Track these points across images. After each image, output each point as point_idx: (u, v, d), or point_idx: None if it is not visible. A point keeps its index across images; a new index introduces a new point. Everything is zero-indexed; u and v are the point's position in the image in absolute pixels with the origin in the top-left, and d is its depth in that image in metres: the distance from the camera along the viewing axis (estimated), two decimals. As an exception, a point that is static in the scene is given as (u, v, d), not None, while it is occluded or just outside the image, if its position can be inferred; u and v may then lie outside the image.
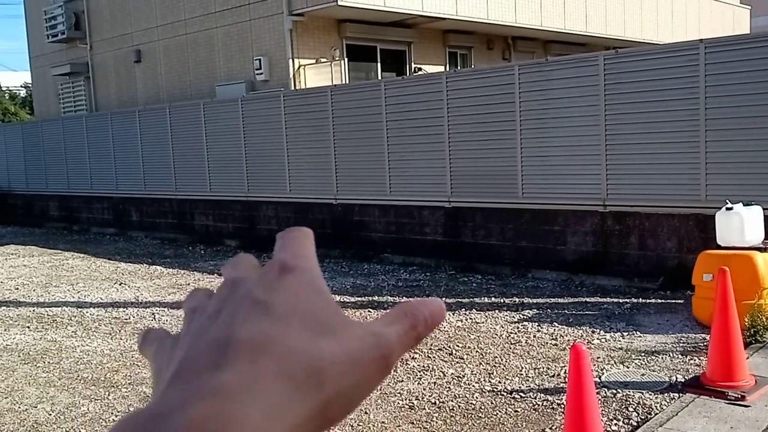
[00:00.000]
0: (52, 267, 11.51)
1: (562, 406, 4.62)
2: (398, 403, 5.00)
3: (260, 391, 0.34)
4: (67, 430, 4.85)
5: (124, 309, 8.30)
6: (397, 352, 0.39)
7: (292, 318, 0.37)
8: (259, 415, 0.33)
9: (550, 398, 4.93)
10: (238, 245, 12.45)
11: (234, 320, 0.37)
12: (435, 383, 5.33)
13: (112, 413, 5.09)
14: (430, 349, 6.16)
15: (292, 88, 13.34)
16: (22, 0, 20.95)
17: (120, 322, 7.70)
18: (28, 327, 7.68)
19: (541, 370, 5.51)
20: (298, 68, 13.74)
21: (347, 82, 13.68)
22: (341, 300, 8.20)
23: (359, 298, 8.22)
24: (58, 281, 10.24)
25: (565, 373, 5.21)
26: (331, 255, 10.90)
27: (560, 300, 7.74)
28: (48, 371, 6.13)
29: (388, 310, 0.41)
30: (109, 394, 5.46)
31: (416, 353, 6.04)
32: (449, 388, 5.23)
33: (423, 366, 5.72)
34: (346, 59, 14.25)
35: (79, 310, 8.35)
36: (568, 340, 6.14)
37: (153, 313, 7.98)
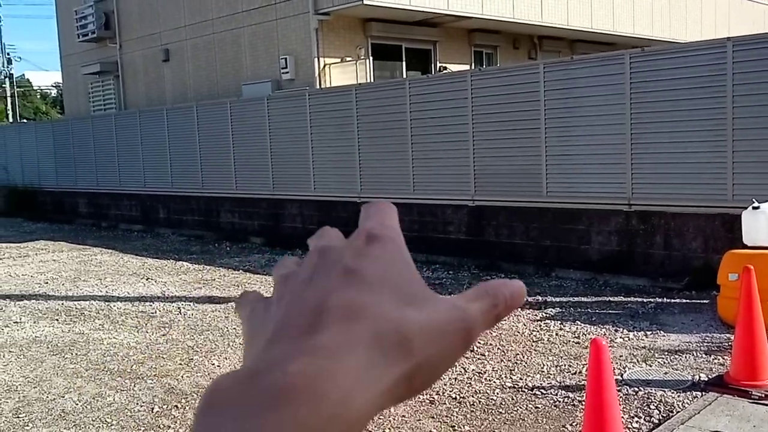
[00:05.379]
0: (80, 262, 11.70)
1: (583, 402, 4.60)
2: (419, 397, 5.02)
3: (354, 354, 0.35)
4: (93, 419, 4.95)
5: (151, 303, 8.42)
6: (479, 327, 0.39)
7: (382, 287, 0.38)
8: (352, 374, 0.34)
9: (571, 395, 4.92)
10: (263, 243, 12.55)
11: (327, 286, 0.37)
12: (456, 379, 5.34)
13: (137, 404, 5.18)
14: (452, 345, 6.17)
15: (318, 86, 13.42)
16: (54, 0, 21.32)
17: (146, 316, 7.82)
18: (57, 320, 7.82)
19: (563, 367, 5.50)
20: (324, 67, 13.82)
21: (372, 80, 13.73)
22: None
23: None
24: (86, 276, 10.41)
25: (586, 370, 5.19)
26: (355, 253, 10.93)
27: (584, 299, 7.70)
28: (75, 362, 6.24)
29: (468, 289, 0.42)
30: (134, 386, 5.56)
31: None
32: (470, 383, 5.25)
33: (444, 362, 5.73)
34: (371, 58, 14.30)
35: (107, 303, 8.49)
36: (591, 338, 6.10)
37: (179, 308, 8.09)
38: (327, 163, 11.73)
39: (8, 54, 45.16)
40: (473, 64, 16.10)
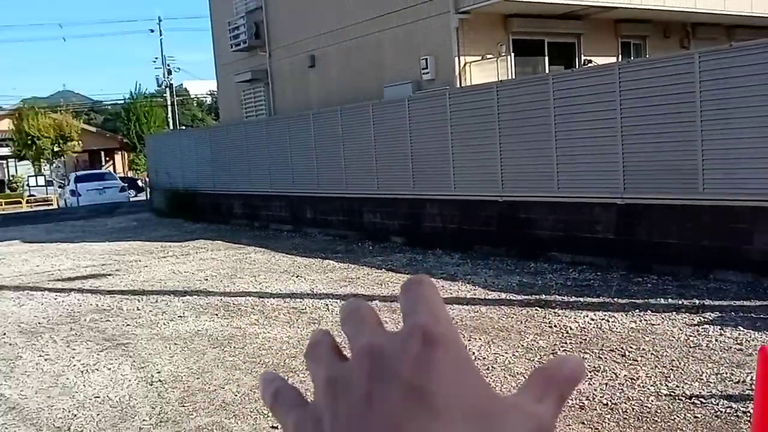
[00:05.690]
0: (236, 260, 12.39)
1: (748, 414, 4.31)
2: (568, 402, 4.90)
3: None
4: (251, 411, 5.22)
5: (301, 300, 8.77)
6: (553, 426, 0.37)
7: (455, 411, 0.34)
8: None
9: (734, 405, 4.62)
10: (403, 242, 12.73)
11: (393, 413, 0.33)
12: (606, 384, 5.17)
13: (290, 397, 5.40)
14: (602, 349, 5.98)
15: (458, 86, 13.41)
16: (209, 13, 22.70)
17: (297, 311, 8.15)
18: (216, 314, 8.33)
19: (724, 375, 5.18)
20: (464, 66, 13.79)
21: (513, 77, 13.54)
22: (507, 298, 8.16)
23: (526, 297, 8.13)
24: (241, 273, 11.01)
25: (751, 379, 4.85)
26: (496, 253, 10.86)
27: (746, 303, 7.20)
28: (234, 355, 6.62)
29: (529, 378, 0.39)
30: (288, 379, 5.77)
31: (587, 353, 5.89)
32: (622, 390, 5.06)
33: (594, 366, 5.56)
34: (512, 54, 14.11)
35: (261, 300, 8.94)
36: (755, 345, 5.71)
37: (327, 304, 8.38)
38: (467, 162, 11.70)
39: (168, 65, 48.59)
40: (620, 56, 15.47)
